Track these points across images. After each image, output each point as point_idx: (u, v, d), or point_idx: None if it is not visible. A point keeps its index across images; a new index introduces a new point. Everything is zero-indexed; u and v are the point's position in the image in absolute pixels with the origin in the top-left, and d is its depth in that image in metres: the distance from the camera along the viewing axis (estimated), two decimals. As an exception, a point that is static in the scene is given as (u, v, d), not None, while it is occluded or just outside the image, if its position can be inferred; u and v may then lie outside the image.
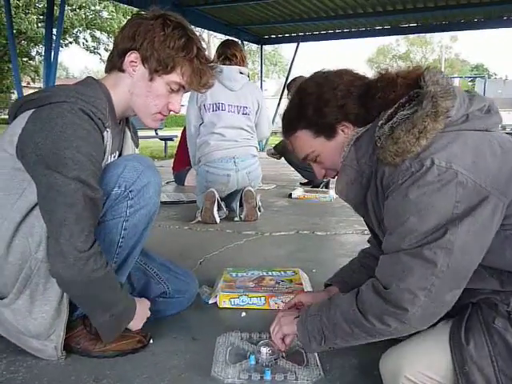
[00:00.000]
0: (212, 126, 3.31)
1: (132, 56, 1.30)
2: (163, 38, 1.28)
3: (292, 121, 1.24)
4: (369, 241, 1.51)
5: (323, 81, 1.18)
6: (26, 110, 1.25)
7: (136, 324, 1.42)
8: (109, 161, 1.36)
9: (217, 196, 3.24)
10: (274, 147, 5.06)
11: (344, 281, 1.43)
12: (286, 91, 5.14)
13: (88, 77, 1.38)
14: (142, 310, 1.45)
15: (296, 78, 5.19)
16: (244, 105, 3.37)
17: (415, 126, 0.98)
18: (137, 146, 1.59)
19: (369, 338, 1.06)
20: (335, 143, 1.18)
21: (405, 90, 1.08)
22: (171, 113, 1.42)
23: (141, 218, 1.36)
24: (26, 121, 1.21)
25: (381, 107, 1.10)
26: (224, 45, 3.43)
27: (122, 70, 1.34)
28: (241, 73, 3.37)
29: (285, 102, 1.32)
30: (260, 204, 3.49)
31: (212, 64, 1.38)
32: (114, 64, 1.35)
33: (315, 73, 1.24)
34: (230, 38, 3.52)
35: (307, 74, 1.25)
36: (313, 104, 1.17)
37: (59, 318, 1.30)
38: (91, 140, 1.21)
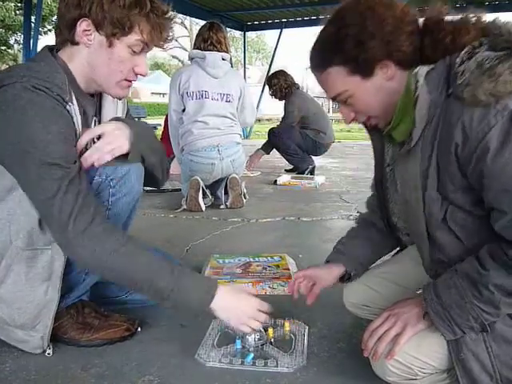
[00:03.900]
0: (195, 114, 3.28)
1: (83, 24, 1.19)
2: None
3: (325, 55, 1.08)
4: (368, 205, 1.46)
5: (367, 12, 1.02)
6: None
7: (233, 320, 1.27)
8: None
9: (201, 184, 3.23)
10: (262, 149, 5.01)
11: (351, 258, 1.38)
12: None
13: (43, 49, 1.28)
14: (237, 303, 1.28)
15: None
16: (227, 92, 3.35)
17: None
18: (120, 98, 1.44)
19: None
20: (371, 84, 1.06)
21: (475, 36, 0.98)
22: (139, 77, 1.32)
23: (124, 206, 1.34)
24: None
25: (447, 51, 0.99)
26: (209, 29, 3.36)
27: (76, 43, 1.23)
28: (223, 59, 3.34)
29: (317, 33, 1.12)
30: (245, 191, 3.50)
31: (169, 15, 1.29)
32: (65, 38, 1.24)
33: (356, 0, 1.06)
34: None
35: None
36: (354, 37, 1.02)
37: (46, 309, 1.27)
38: (56, 115, 1.15)
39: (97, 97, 1.40)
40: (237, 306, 1.27)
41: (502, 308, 0.95)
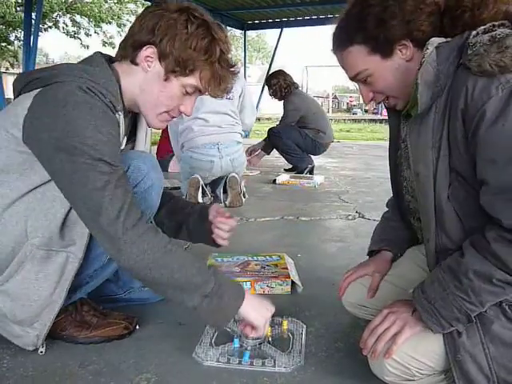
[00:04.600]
0: (195, 111, 3.25)
1: (148, 51, 1.21)
2: (186, 36, 1.19)
3: (347, 34, 1.12)
4: (387, 204, 1.48)
5: None
6: (30, 90, 1.18)
7: (256, 317, 1.28)
8: (122, 145, 1.30)
9: (201, 182, 3.23)
10: (262, 149, 5.03)
11: (393, 242, 1.39)
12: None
13: (96, 55, 1.28)
14: (261, 304, 1.31)
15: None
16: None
17: None
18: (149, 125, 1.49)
19: None
20: (391, 64, 1.09)
21: (494, 14, 1.00)
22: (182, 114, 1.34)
23: None
24: (32, 101, 1.15)
25: (466, 27, 1.01)
26: None
27: (135, 63, 1.24)
28: None
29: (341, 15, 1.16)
30: (244, 190, 3.50)
31: (234, 69, 1.30)
32: (127, 54, 1.25)
33: None
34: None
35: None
36: (376, 16, 1.06)
37: (49, 309, 1.26)
38: (108, 119, 1.15)
39: (132, 114, 1.40)
40: (261, 304, 1.31)
41: (484, 296, 0.95)
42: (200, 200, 3.23)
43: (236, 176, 3.36)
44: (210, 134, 3.26)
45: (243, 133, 3.55)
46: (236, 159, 3.37)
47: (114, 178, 1.13)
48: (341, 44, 1.15)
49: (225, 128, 3.32)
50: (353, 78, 1.17)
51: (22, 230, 1.20)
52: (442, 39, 1.03)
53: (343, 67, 1.18)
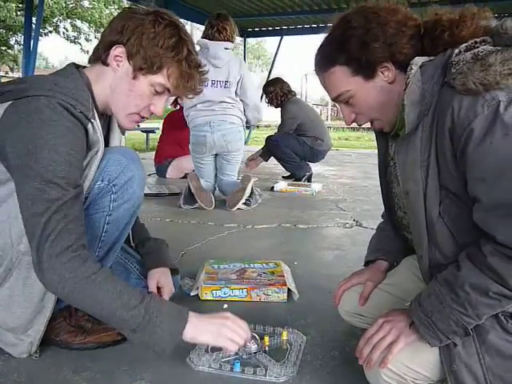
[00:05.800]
0: (194, 100, 3.55)
1: (117, 50, 1.23)
2: (153, 35, 1.22)
3: (330, 55, 1.13)
4: (383, 216, 1.49)
5: (372, 15, 1.08)
6: (2, 102, 1.18)
7: (209, 339, 1.20)
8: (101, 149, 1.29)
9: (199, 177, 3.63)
10: (260, 156, 5.08)
11: (389, 252, 1.39)
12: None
13: (69, 65, 1.30)
14: (212, 325, 1.21)
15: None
16: (226, 79, 3.60)
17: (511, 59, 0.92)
18: (123, 133, 1.52)
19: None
20: (373, 85, 1.10)
21: (474, 31, 1.02)
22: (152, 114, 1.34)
23: (124, 213, 1.34)
24: (2, 114, 1.15)
25: (447, 46, 1.02)
26: (216, 17, 3.63)
27: (106, 64, 1.26)
28: (226, 48, 3.55)
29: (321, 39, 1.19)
30: (258, 197, 3.73)
31: (202, 69, 1.31)
32: (99, 56, 1.27)
33: (361, 6, 1.13)
34: (223, 12, 3.71)
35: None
36: (358, 38, 1.07)
37: (41, 314, 1.26)
38: (70, 137, 1.15)
39: (106, 117, 1.41)
40: (214, 322, 1.21)
41: (480, 308, 0.95)
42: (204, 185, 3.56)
43: (250, 175, 3.73)
44: (204, 116, 3.61)
45: (243, 117, 3.75)
46: (227, 135, 3.64)
47: (57, 203, 1.11)
48: (324, 65, 1.15)
49: (218, 111, 3.62)
50: (335, 99, 1.18)
51: (6, 238, 1.20)
52: (426, 58, 1.04)
53: (325, 88, 1.19)
